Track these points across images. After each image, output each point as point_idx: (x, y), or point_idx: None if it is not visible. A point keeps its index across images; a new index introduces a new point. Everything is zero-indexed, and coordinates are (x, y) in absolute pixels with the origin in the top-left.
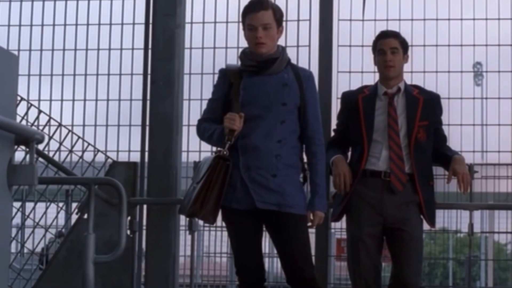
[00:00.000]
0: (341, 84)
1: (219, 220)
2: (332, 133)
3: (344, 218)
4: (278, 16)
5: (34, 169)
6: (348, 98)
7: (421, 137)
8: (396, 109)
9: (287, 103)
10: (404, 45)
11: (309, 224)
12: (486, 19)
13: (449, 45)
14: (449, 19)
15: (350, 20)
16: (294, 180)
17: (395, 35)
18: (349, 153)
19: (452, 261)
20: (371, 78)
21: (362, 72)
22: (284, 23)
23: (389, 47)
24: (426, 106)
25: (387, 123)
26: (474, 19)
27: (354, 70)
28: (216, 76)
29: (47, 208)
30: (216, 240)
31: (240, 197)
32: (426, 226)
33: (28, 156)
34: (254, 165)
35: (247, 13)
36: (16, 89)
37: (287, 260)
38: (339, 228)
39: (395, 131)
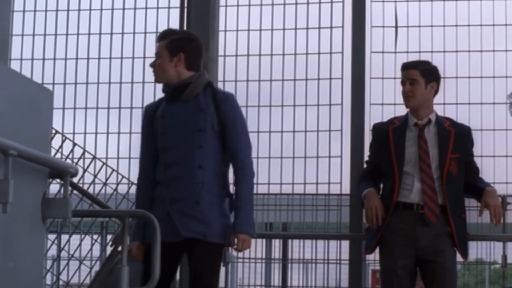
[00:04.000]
0: (374, 116)
1: (253, 251)
2: (365, 165)
3: (376, 250)
4: (172, 45)
5: (68, 203)
6: (379, 129)
7: (453, 170)
8: (427, 140)
9: (203, 128)
10: (427, 74)
11: (235, 247)
12: None
13: (481, 77)
14: (481, 51)
15: (383, 52)
16: (219, 208)
17: (415, 65)
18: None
19: None
20: (404, 110)
21: (395, 104)
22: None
23: (408, 78)
24: (457, 138)
25: (418, 155)
26: (506, 50)
27: (386, 102)
28: (249, 109)
29: (81, 240)
30: (250, 272)
31: (165, 230)
32: (460, 257)
33: (62, 189)
34: (178, 196)
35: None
36: (50, 124)
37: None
38: (373, 259)
39: (426, 164)
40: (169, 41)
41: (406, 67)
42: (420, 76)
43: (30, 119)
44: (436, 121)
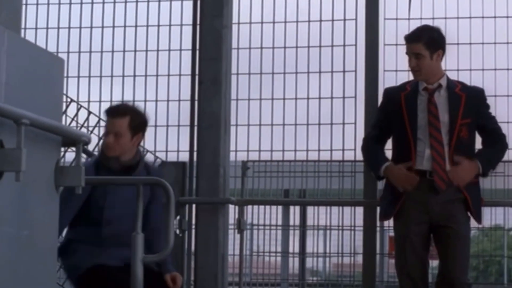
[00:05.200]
0: (388, 82)
1: (268, 219)
2: (371, 128)
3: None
4: (136, 123)
5: (81, 171)
6: (391, 94)
7: (464, 135)
8: (437, 105)
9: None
10: (432, 45)
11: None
12: None
13: (495, 43)
14: (495, 17)
15: (396, 19)
16: None
17: (417, 38)
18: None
19: (507, 258)
20: None
21: (408, 70)
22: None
23: (412, 53)
24: (469, 103)
25: (428, 120)
26: None
27: (400, 69)
28: (263, 76)
29: None
30: (264, 239)
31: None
32: (474, 223)
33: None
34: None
35: (106, 116)
36: (62, 92)
37: None
38: (388, 226)
39: (436, 129)
40: (131, 120)
41: (410, 40)
42: (425, 49)
43: (42, 88)
44: (447, 86)
